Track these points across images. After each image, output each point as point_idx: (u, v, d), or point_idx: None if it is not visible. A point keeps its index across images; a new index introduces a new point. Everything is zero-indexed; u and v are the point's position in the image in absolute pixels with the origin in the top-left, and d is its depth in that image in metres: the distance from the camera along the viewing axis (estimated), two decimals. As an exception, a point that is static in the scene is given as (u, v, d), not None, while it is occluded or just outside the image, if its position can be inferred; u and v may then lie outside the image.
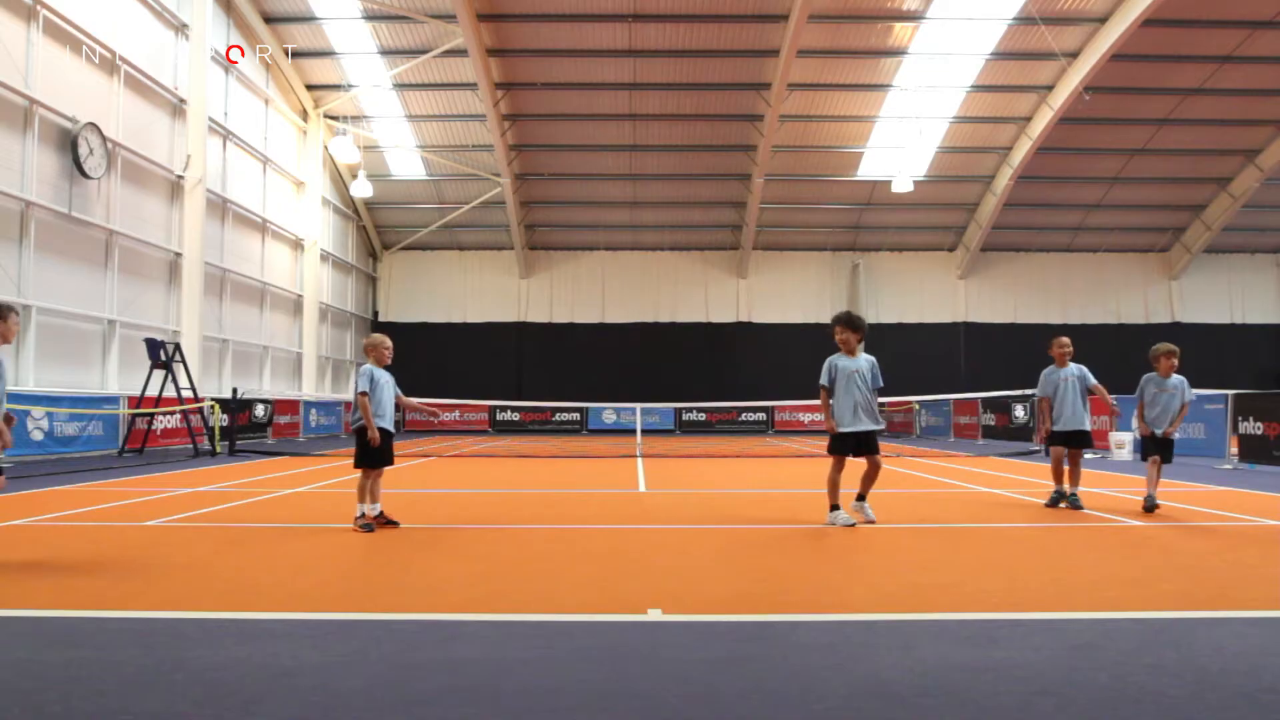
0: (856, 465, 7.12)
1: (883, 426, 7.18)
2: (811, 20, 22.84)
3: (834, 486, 7.12)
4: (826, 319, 33.42)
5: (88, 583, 4.67)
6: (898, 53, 25.07)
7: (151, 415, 16.87)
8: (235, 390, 18.54)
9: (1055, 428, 8.22)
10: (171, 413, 17.70)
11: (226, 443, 17.21)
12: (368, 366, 7.02)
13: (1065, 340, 8.34)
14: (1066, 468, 8.10)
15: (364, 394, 6.85)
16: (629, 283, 34.19)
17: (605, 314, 34.14)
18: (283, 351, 26.62)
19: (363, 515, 6.81)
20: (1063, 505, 8.02)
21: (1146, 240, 34.15)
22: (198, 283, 19.99)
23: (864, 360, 7.12)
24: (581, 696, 2.83)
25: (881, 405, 7.22)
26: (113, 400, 16.69)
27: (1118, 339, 33.40)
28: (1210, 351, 31.70)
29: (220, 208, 22.41)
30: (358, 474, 7.04)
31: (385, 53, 25.22)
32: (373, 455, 6.92)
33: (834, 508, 7.04)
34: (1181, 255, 33.88)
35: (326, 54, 25.49)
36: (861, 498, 7.17)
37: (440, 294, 34.38)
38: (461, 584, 4.68)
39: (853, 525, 6.83)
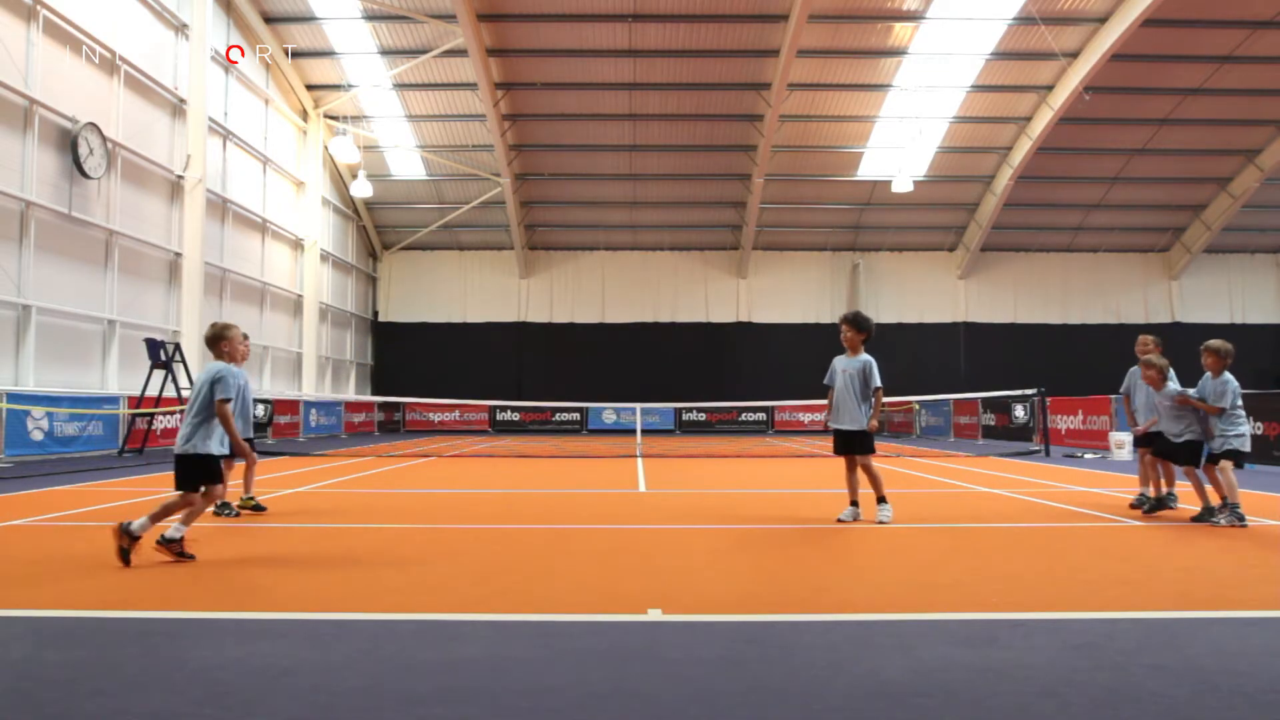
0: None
1: (860, 428, 7.04)
2: (811, 20, 22.85)
3: (849, 485, 7.28)
4: (827, 319, 33.43)
5: (88, 583, 4.67)
6: (898, 53, 25.08)
7: (151, 415, 16.87)
8: (235, 390, 18.51)
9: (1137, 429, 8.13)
10: (171, 413, 17.69)
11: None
12: (226, 366, 5.71)
13: (1146, 339, 7.97)
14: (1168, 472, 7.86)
15: (226, 400, 5.50)
16: (629, 283, 34.19)
17: (605, 314, 34.14)
18: (283, 351, 26.62)
19: (181, 539, 5.30)
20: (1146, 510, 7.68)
21: (1146, 240, 34.15)
22: (198, 283, 19.99)
23: (859, 361, 7.11)
24: (581, 696, 2.83)
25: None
26: (113, 400, 16.69)
27: (1118, 339, 33.42)
28: (1210, 351, 31.65)
29: (220, 208, 22.41)
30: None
31: (385, 53, 25.22)
32: (214, 472, 5.58)
33: (853, 503, 7.19)
34: (1181, 255, 33.88)
35: (326, 54, 25.50)
36: (879, 500, 7.07)
37: (440, 294, 34.38)
38: (461, 584, 4.68)
39: (882, 523, 6.89)
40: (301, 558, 5.49)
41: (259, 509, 7.66)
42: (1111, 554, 5.58)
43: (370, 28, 24.27)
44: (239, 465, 7.84)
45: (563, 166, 30.41)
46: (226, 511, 7.36)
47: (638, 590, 4.51)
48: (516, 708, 2.72)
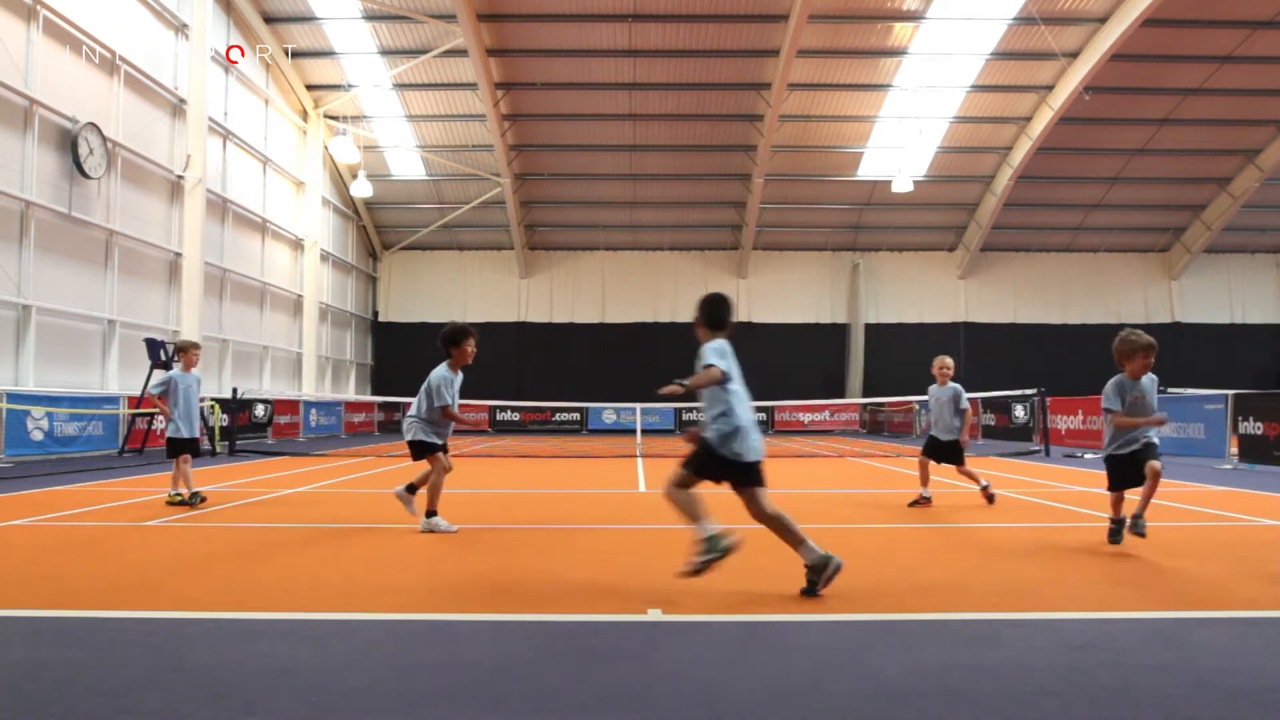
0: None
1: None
2: (811, 20, 22.85)
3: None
4: (826, 319, 33.33)
5: (88, 583, 4.67)
6: (898, 53, 25.07)
7: (151, 415, 16.87)
8: (235, 390, 18.54)
9: None
10: (171, 413, 17.66)
11: (226, 443, 17.20)
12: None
13: None
14: None
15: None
16: (629, 283, 34.18)
17: (605, 314, 34.13)
18: (283, 351, 26.62)
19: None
20: None
21: (1146, 240, 34.15)
22: (198, 283, 19.99)
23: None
24: (581, 696, 2.83)
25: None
26: (113, 400, 16.69)
27: (1118, 339, 33.46)
28: (1210, 351, 31.70)
29: (220, 208, 22.41)
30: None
31: (385, 53, 25.22)
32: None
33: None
34: (1181, 255, 33.87)
35: (326, 54, 25.49)
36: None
37: (440, 294, 34.37)
38: (460, 584, 4.68)
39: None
40: (301, 557, 5.49)
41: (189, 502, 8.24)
42: (1111, 554, 5.58)
43: (370, 28, 24.26)
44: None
45: (563, 166, 30.40)
46: (197, 500, 8.10)
47: (638, 590, 4.52)
48: (516, 708, 2.72)
